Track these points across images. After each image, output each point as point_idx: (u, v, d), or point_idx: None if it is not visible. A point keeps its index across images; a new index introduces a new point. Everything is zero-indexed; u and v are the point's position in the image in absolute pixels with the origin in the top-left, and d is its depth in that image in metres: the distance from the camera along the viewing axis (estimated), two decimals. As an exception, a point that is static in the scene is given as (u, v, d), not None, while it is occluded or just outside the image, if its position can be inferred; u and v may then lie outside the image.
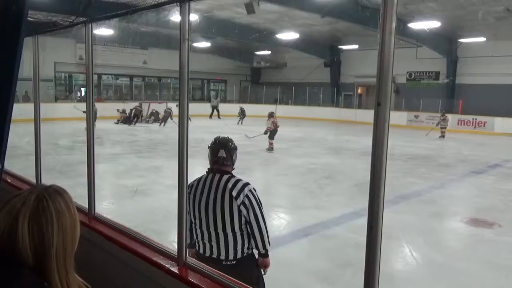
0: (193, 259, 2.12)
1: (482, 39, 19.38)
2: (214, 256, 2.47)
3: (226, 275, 1.95)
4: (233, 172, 2.61)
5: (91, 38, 2.67)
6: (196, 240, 2.56)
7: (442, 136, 17.38)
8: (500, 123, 19.49)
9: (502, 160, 12.13)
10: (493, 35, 18.74)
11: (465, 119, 20.79)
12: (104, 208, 5.85)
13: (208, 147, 2.65)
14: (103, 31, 17.26)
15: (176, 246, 2.08)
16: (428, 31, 17.70)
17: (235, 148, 2.65)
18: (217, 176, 2.50)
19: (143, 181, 8.01)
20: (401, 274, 4.40)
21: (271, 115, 12.79)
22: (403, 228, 5.59)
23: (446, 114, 18.30)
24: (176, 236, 2.07)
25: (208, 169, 2.59)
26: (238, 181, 2.47)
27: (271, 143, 12.25)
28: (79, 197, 3.16)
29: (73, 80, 24.81)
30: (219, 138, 2.68)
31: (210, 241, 2.48)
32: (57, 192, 1.11)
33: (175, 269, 2.03)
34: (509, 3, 14.75)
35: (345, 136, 17.28)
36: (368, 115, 20.90)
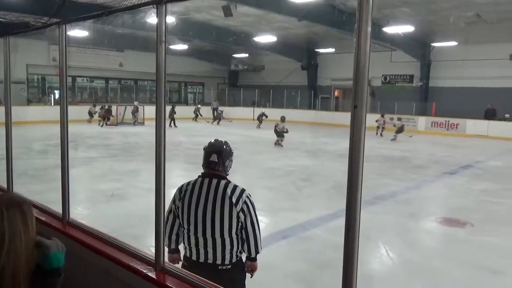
0: (171, 264, 2.09)
1: (454, 43, 19.94)
2: (210, 261, 2.41)
3: (205, 280, 1.93)
4: None
5: (65, 39, 2.62)
6: (188, 247, 2.47)
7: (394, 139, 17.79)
8: (472, 125, 20.05)
9: (474, 161, 12.48)
10: (464, 40, 19.28)
11: (438, 121, 21.30)
12: (79, 213, 5.72)
13: (203, 149, 2.57)
14: (77, 32, 16.93)
15: (154, 251, 2.05)
16: (402, 35, 18.10)
17: (230, 153, 2.55)
18: (214, 181, 2.43)
19: (119, 185, 7.88)
20: (378, 274, 4.46)
21: (284, 118, 14.74)
22: (379, 229, 5.69)
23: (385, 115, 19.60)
24: (154, 240, 2.04)
25: (202, 173, 2.51)
26: (236, 186, 2.43)
27: (281, 140, 14.30)
28: (53, 202, 3.10)
29: (47, 83, 24.25)
30: (213, 142, 2.58)
31: (206, 247, 2.40)
32: (14, 205, 0.99)
33: (152, 274, 2.01)
34: (479, 9, 15.23)
35: (322, 139, 17.46)
36: (345, 117, 21.27)
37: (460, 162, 12.08)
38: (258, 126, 21.67)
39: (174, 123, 20.76)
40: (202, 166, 2.53)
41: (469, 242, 5.46)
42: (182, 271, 2.02)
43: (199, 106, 25.21)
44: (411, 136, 18.22)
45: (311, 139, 17.50)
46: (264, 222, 6.04)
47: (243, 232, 2.43)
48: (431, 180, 9.74)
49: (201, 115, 24.19)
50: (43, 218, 2.84)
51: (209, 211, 2.37)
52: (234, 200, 2.37)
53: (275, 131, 14.47)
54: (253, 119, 26.38)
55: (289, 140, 14.49)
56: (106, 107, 20.85)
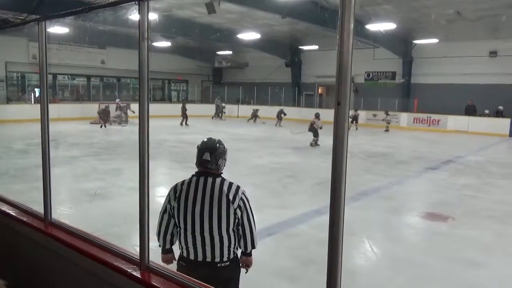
0: (156, 263, 2.08)
1: (435, 40, 20.24)
2: (208, 259, 2.41)
3: (191, 278, 1.93)
4: None
5: (44, 36, 2.57)
6: (185, 246, 2.45)
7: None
8: (453, 121, 20.41)
9: (455, 156, 12.72)
10: (445, 37, 19.60)
11: (420, 117, 21.63)
12: (62, 213, 5.64)
13: (197, 147, 2.57)
14: (57, 29, 16.66)
15: (138, 250, 2.04)
16: (384, 32, 18.28)
17: (223, 152, 2.54)
18: (210, 179, 2.42)
19: (102, 184, 7.78)
20: (363, 269, 4.52)
21: (318, 115, 14.39)
22: (363, 224, 5.75)
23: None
24: (138, 239, 2.03)
25: (196, 172, 2.50)
26: (231, 184, 2.45)
27: (317, 139, 13.92)
28: (34, 202, 3.04)
29: (26, 81, 23.78)
30: (206, 140, 2.58)
31: (204, 245, 2.39)
32: None
33: (137, 274, 1.99)
34: (459, 7, 15.49)
35: (307, 136, 17.51)
36: (328, 114, 21.53)
37: (442, 158, 12.29)
38: (278, 124, 21.57)
39: (186, 122, 20.40)
40: (195, 164, 2.52)
41: (450, 236, 5.56)
42: (167, 270, 2.01)
43: (223, 104, 24.99)
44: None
45: (296, 136, 17.54)
46: (249, 219, 6.05)
47: (240, 228, 2.46)
48: (414, 175, 9.89)
49: (224, 113, 24.44)
50: (24, 219, 2.79)
51: (207, 209, 2.37)
52: (231, 197, 2.38)
53: (311, 129, 13.96)
54: (237, 116, 26.36)
55: (274, 137, 14.52)
56: (104, 107, 20.08)
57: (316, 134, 13.85)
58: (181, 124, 20.31)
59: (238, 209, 2.40)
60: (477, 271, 4.45)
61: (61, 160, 9.86)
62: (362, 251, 4.94)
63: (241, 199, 2.42)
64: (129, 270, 2.01)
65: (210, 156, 2.46)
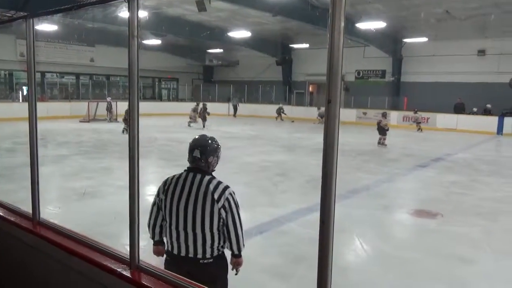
0: (147, 263, 2.07)
1: (424, 39, 20.40)
2: (191, 255, 2.41)
3: (181, 277, 1.92)
4: None
5: (32, 34, 2.54)
6: (170, 240, 2.47)
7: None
8: (442, 119, 20.61)
9: (444, 153, 12.85)
10: (434, 36, 19.78)
11: (409, 116, 21.78)
12: (50, 212, 5.58)
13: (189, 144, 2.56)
14: (46, 26, 16.45)
15: (128, 249, 2.02)
16: (374, 31, 18.40)
17: (215, 150, 2.52)
18: (198, 176, 2.42)
19: (92, 183, 7.72)
20: (353, 265, 4.55)
21: (385, 114, 14.44)
22: (354, 222, 5.79)
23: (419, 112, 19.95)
24: (128, 238, 2.01)
25: (187, 167, 2.50)
26: (219, 183, 2.41)
27: (384, 139, 13.82)
28: (22, 202, 3.00)
29: (14, 79, 23.47)
30: (198, 137, 2.56)
31: (186, 241, 2.40)
32: None
33: (127, 273, 1.98)
34: (448, 6, 15.63)
35: (297, 134, 17.58)
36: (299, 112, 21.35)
37: (431, 155, 12.40)
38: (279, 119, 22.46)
39: (205, 119, 18.52)
40: (188, 160, 2.52)
41: (439, 233, 5.62)
42: (158, 269, 2.00)
43: (281, 105, 24.62)
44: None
45: (286, 134, 17.61)
46: (240, 218, 6.05)
47: (225, 229, 2.43)
48: (403, 173, 9.97)
49: (284, 114, 23.85)
50: (12, 219, 2.76)
51: (191, 206, 2.37)
52: (216, 196, 2.36)
53: (378, 128, 13.87)
54: (228, 115, 26.34)
55: (264, 135, 14.53)
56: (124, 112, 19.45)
57: (383, 133, 13.74)
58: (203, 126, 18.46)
59: (222, 209, 2.37)
60: (466, 267, 4.51)
61: (50, 159, 9.76)
62: (353, 248, 4.98)
63: (227, 199, 2.38)
64: (119, 270, 2.00)
65: (200, 153, 2.46)
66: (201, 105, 19.20)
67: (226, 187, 2.42)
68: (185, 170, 2.50)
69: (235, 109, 26.16)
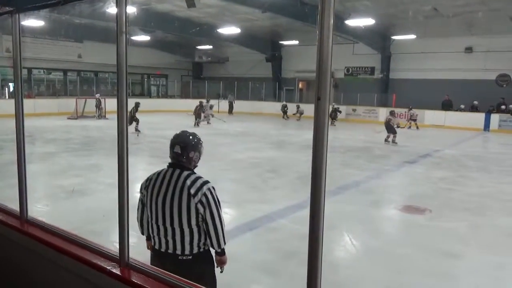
0: (136, 260, 2.06)
1: (413, 36, 20.54)
2: (170, 251, 2.42)
3: (171, 274, 1.92)
4: None
5: (18, 29, 2.50)
6: (152, 235, 2.51)
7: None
8: (430, 116, 20.80)
9: (432, 150, 12.99)
10: (423, 33, 19.92)
11: (398, 112, 21.89)
12: (38, 210, 5.53)
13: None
14: (32, 22, 16.22)
15: (118, 247, 2.01)
16: (363, 28, 18.48)
17: (196, 146, 2.53)
18: (177, 171, 2.44)
19: (80, 181, 7.65)
20: (343, 261, 4.58)
21: (393, 113, 14.24)
22: (343, 218, 5.82)
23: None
24: (118, 236, 2.00)
25: (169, 163, 2.51)
26: (197, 178, 2.41)
27: (395, 137, 13.68)
28: (10, 200, 2.97)
29: (0, 75, 23.10)
30: (179, 133, 2.58)
31: (166, 236, 2.43)
32: None
33: (117, 271, 1.97)
34: (436, 3, 15.76)
35: (287, 130, 17.62)
36: (309, 109, 21.43)
37: (419, 152, 12.53)
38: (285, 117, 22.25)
39: (199, 116, 18.12)
40: (169, 156, 2.54)
41: (427, 228, 5.69)
42: (148, 266, 1.99)
43: (284, 103, 24.10)
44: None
45: (276, 131, 17.63)
46: (230, 214, 6.05)
47: (204, 225, 2.42)
48: (392, 169, 10.05)
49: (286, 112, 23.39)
50: (-1, 217, 2.72)
51: (168, 201, 2.39)
52: (192, 191, 2.36)
53: (387, 126, 13.85)
54: (218, 112, 26.27)
55: (254, 132, 14.52)
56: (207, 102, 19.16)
57: (392, 131, 13.69)
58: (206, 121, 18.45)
59: (199, 204, 2.36)
60: (454, 261, 4.57)
61: (37, 156, 9.65)
62: (342, 244, 5.01)
63: (204, 194, 2.37)
64: (108, 268, 1.99)
65: (181, 149, 2.47)
66: (211, 101, 19.36)
67: (205, 182, 2.41)
68: (167, 166, 2.51)
69: (231, 106, 25.83)
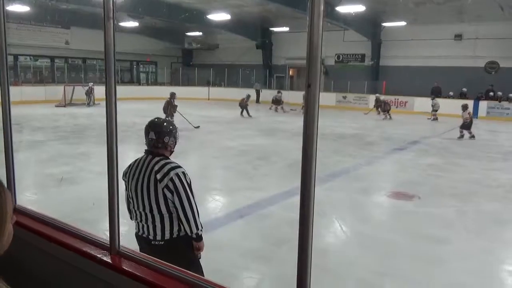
0: (127, 248, 2.05)
1: (403, 23, 20.53)
2: (145, 235, 2.53)
3: (163, 262, 1.92)
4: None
5: (3, 14, 2.44)
6: (134, 220, 2.62)
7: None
8: (420, 103, 20.90)
9: (421, 137, 13.10)
10: (413, 20, 19.93)
11: (388, 99, 22.00)
12: (27, 199, 5.49)
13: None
14: (17, 7, 15.88)
15: (108, 235, 2.01)
16: (354, 14, 18.39)
17: (171, 132, 2.57)
18: (149, 157, 2.51)
19: (69, 169, 7.59)
20: (333, 247, 4.64)
21: (465, 107, 12.95)
22: (333, 204, 5.88)
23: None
24: (108, 224, 1.99)
25: (145, 150, 2.57)
26: (165, 164, 2.44)
27: (470, 132, 12.62)
28: (-3, 189, 2.93)
29: (-15, 62, 22.66)
30: (153, 120, 2.63)
31: (141, 221, 2.53)
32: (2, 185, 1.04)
33: (107, 258, 1.96)
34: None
35: (278, 118, 17.61)
36: (299, 96, 21.37)
37: (408, 138, 12.63)
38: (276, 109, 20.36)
39: (248, 112, 17.32)
40: (145, 143, 2.60)
41: (416, 214, 5.77)
42: (139, 254, 1.99)
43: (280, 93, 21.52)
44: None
45: (266, 118, 17.61)
46: (220, 202, 6.08)
47: (175, 211, 2.44)
48: (382, 156, 10.14)
49: (282, 102, 21.05)
50: (-13, 206, 2.69)
51: (139, 187, 2.47)
52: (159, 176, 2.41)
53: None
54: (208, 99, 26.13)
55: (244, 120, 14.47)
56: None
57: (466, 127, 12.68)
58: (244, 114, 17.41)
59: (166, 189, 2.39)
60: (441, 246, 4.65)
61: (25, 144, 9.55)
62: (332, 231, 5.07)
63: (171, 179, 2.39)
64: (99, 256, 1.98)
65: (155, 135, 2.52)
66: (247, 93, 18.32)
67: (173, 168, 2.43)
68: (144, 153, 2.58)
69: (258, 94, 24.93)
